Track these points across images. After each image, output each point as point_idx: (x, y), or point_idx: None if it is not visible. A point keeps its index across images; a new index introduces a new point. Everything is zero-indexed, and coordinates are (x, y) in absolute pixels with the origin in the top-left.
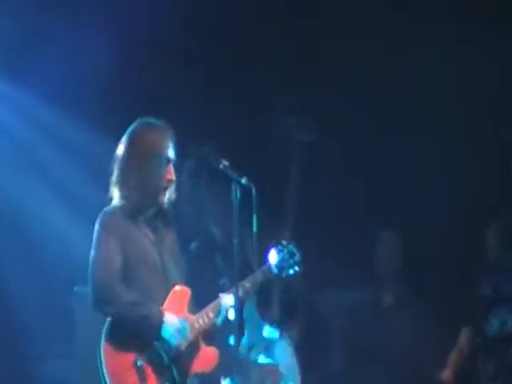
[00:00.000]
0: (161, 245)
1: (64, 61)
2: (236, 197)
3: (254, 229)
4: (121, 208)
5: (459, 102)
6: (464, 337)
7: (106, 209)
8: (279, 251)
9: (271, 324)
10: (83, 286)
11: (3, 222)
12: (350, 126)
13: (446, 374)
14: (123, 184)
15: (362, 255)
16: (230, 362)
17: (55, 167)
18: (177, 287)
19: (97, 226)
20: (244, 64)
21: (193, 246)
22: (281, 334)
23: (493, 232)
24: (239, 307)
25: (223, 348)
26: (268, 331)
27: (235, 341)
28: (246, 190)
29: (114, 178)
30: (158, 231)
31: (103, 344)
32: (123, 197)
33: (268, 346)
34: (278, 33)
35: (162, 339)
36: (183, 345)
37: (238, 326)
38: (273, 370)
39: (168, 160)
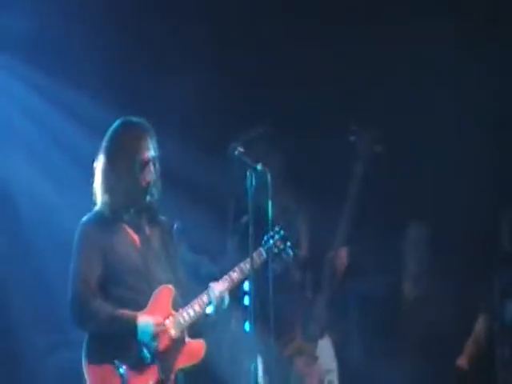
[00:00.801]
0: (145, 245)
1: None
2: (251, 184)
3: (269, 215)
4: (101, 213)
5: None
6: (480, 324)
7: (84, 218)
8: (270, 237)
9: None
10: None
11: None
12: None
13: (462, 360)
14: (101, 188)
15: (389, 244)
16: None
17: (57, 163)
18: (159, 288)
19: (76, 237)
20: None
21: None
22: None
23: (506, 220)
24: (250, 290)
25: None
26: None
27: (250, 326)
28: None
29: (94, 182)
30: (142, 231)
31: (84, 363)
32: (102, 201)
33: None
34: (342, 52)
35: (142, 342)
36: (163, 343)
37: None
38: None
39: (146, 161)
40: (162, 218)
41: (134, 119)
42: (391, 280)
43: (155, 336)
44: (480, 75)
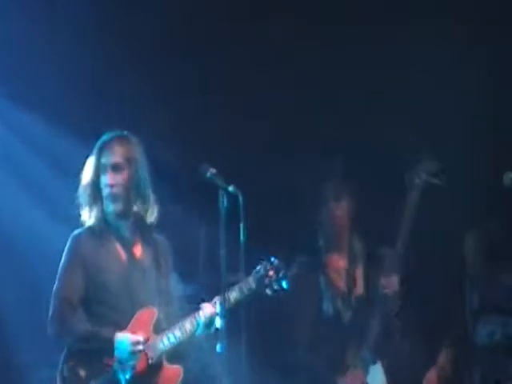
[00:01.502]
0: (132, 264)
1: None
2: (223, 205)
3: (242, 237)
4: (89, 228)
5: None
6: (445, 356)
7: (73, 233)
8: (261, 267)
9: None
10: None
11: None
12: None
13: None
14: (83, 200)
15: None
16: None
17: (38, 174)
18: (142, 310)
19: (64, 252)
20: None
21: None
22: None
23: (471, 243)
24: (226, 315)
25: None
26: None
27: (222, 348)
28: (233, 198)
29: (79, 194)
30: (131, 249)
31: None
32: (88, 215)
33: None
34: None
35: (119, 361)
36: (140, 364)
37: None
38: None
39: (106, 167)
40: (158, 236)
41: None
42: None
43: (132, 354)
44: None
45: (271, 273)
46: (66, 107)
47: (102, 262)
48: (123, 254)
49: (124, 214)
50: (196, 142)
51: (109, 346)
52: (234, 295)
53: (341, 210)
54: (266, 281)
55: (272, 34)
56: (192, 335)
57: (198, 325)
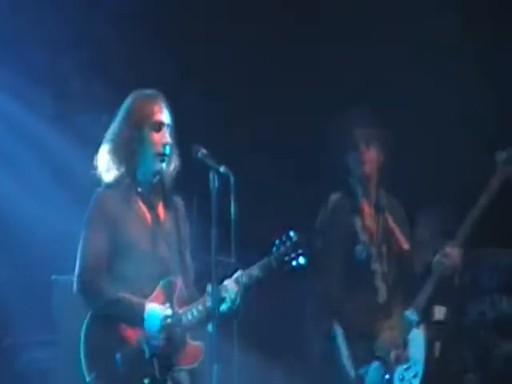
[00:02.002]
0: (157, 226)
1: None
2: (214, 186)
3: (232, 217)
4: (115, 186)
5: None
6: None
7: (99, 189)
8: (280, 244)
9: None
10: (61, 275)
11: None
12: None
13: None
14: (115, 157)
15: None
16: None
17: (27, 157)
18: (166, 279)
19: (89, 209)
20: None
21: None
22: (419, 323)
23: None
24: (218, 296)
25: None
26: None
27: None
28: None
29: (107, 153)
30: (154, 210)
31: (83, 349)
32: (117, 171)
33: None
34: None
35: (146, 333)
36: (166, 339)
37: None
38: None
39: (160, 124)
40: (176, 198)
41: (146, 90)
42: None
43: (161, 328)
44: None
45: (290, 250)
46: None
47: (128, 221)
48: (148, 216)
49: (160, 174)
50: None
51: (138, 316)
52: (255, 273)
53: (369, 156)
54: (286, 258)
55: None
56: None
57: (222, 301)
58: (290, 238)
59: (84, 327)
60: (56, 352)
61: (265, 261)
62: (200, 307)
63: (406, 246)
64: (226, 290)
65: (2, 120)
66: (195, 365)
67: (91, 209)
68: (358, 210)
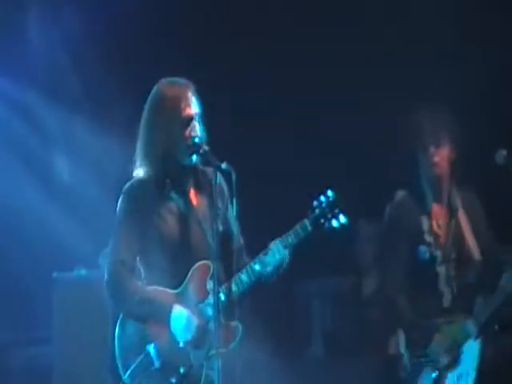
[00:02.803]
0: (190, 213)
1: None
2: (216, 182)
3: (234, 213)
4: (145, 179)
5: None
6: None
7: (130, 182)
8: (317, 205)
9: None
10: (62, 272)
11: None
12: None
13: None
14: (145, 151)
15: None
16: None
17: (34, 152)
18: (196, 265)
19: (120, 202)
20: None
21: None
22: (477, 336)
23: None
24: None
25: None
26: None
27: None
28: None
29: (137, 146)
30: (187, 197)
31: (118, 336)
32: (147, 165)
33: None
34: None
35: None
36: (197, 331)
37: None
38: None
39: (190, 116)
40: (208, 170)
41: (175, 78)
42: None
43: (186, 331)
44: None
45: (327, 210)
46: None
47: (159, 214)
48: (180, 204)
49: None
50: None
51: (164, 316)
52: (290, 240)
53: (440, 156)
54: (322, 220)
55: None
56: (249, 287)
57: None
58: (328, 197)
59: (116, 328)
60: (51, 349)
61: (300, 224)
62: (233, 286)
63: (476, 256)
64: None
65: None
66: (232, 345)
67: (122, 203)
68: (426, 211)
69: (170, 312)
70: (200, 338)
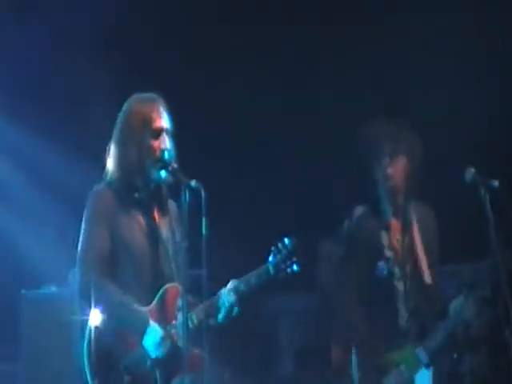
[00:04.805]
0: (152, 233)
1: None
2: (185, 200)
3: (204, 231)
4: (110, 187)
5: None
6: None
7: (94, 188)
8: (276, 251)
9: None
10: (30, 289)
11: None
12: None
13: None
14: (116, 165)
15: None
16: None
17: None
18: (167, 286)
19: (86, 208)
20: None
21: None
22: (428, 365)
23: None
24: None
25: None
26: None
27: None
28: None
29: (108, 161)
30: (151, 216)
31: (88, 343)
32: (117, 179)
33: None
34: None
35: (145, 346)
36: (166, 351)
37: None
38: None
39: (159, 131)
40: (170, 201)
41: (145, 93)
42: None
43: (160, 345)
44: None
45: (286, 257)
46: None
47: (124, 224)
48: (143, 220)
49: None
50: None
51: (141, 325)
52: (253, 280)
53: (395, 168)
54: (282, 266)
55: None
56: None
57: (218, 310)
58: (286, 246)
59: (87, 336)
60: (17, 367)
61: (263, 268)
62: (200, 315)
63: (427, 279)
64: (222, 300)
65: None
66: (198, 371)
67: (88, 208)
68: (385, 225)
69: (147, 324)
70: (169, 360)
